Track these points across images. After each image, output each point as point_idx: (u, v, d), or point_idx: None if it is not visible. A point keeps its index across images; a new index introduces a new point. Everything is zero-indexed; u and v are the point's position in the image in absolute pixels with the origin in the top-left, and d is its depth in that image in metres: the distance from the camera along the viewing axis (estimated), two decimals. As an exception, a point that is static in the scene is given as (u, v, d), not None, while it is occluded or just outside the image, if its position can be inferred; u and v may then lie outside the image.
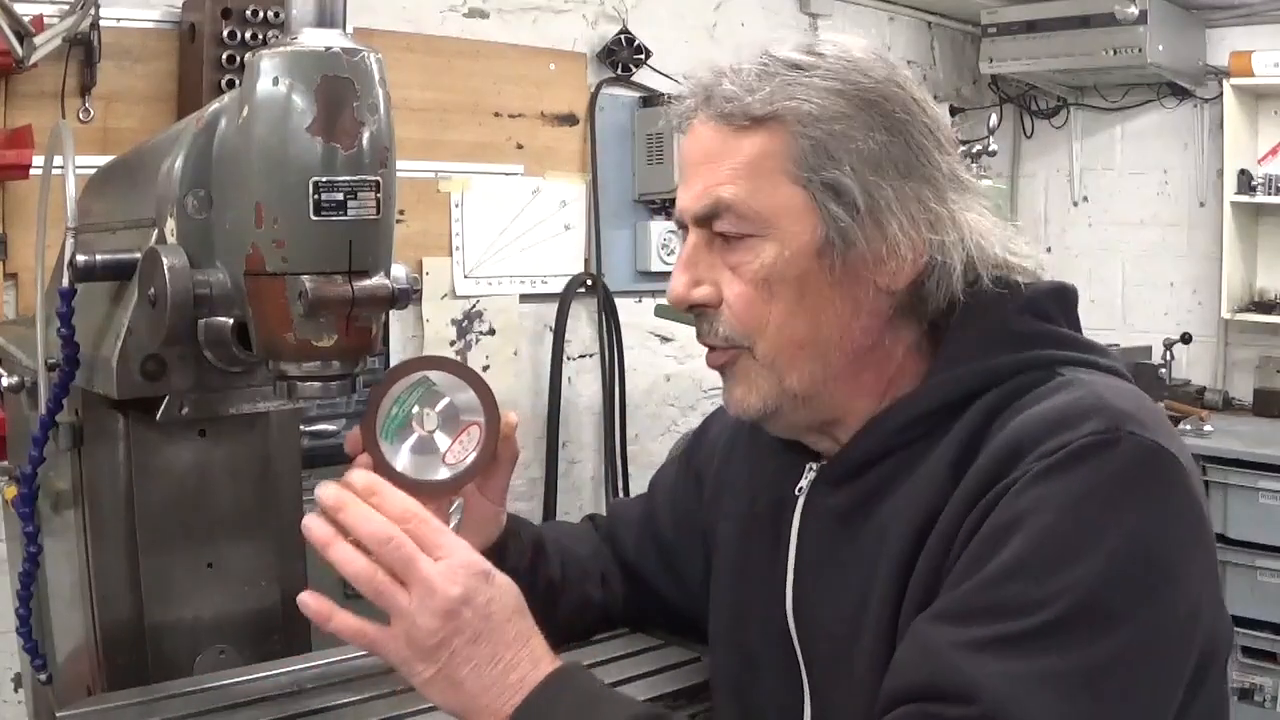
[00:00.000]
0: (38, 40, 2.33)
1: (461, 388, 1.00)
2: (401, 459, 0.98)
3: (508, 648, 0.85)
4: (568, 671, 0.86)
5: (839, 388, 0.94)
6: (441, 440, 0.99)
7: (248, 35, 2.49)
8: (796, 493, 1.01)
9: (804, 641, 0.98)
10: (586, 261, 3.49)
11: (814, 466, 1.00)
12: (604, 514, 1.31)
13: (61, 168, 1.15)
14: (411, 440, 0.99)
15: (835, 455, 0.98)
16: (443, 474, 0.99)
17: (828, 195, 0.90)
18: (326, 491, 0.88)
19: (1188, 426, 3.58)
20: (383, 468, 0.98)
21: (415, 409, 0.99)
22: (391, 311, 1.01)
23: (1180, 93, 4.24)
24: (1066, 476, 0.80)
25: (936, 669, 0.78)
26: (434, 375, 0.99)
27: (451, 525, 0.95)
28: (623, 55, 3.46)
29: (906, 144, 0.92)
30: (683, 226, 0.98)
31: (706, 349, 0.98)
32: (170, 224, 0.99)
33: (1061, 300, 0.96)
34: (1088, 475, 0.79)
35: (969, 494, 0.84)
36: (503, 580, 0.88)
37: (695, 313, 0.96)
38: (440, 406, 0.99)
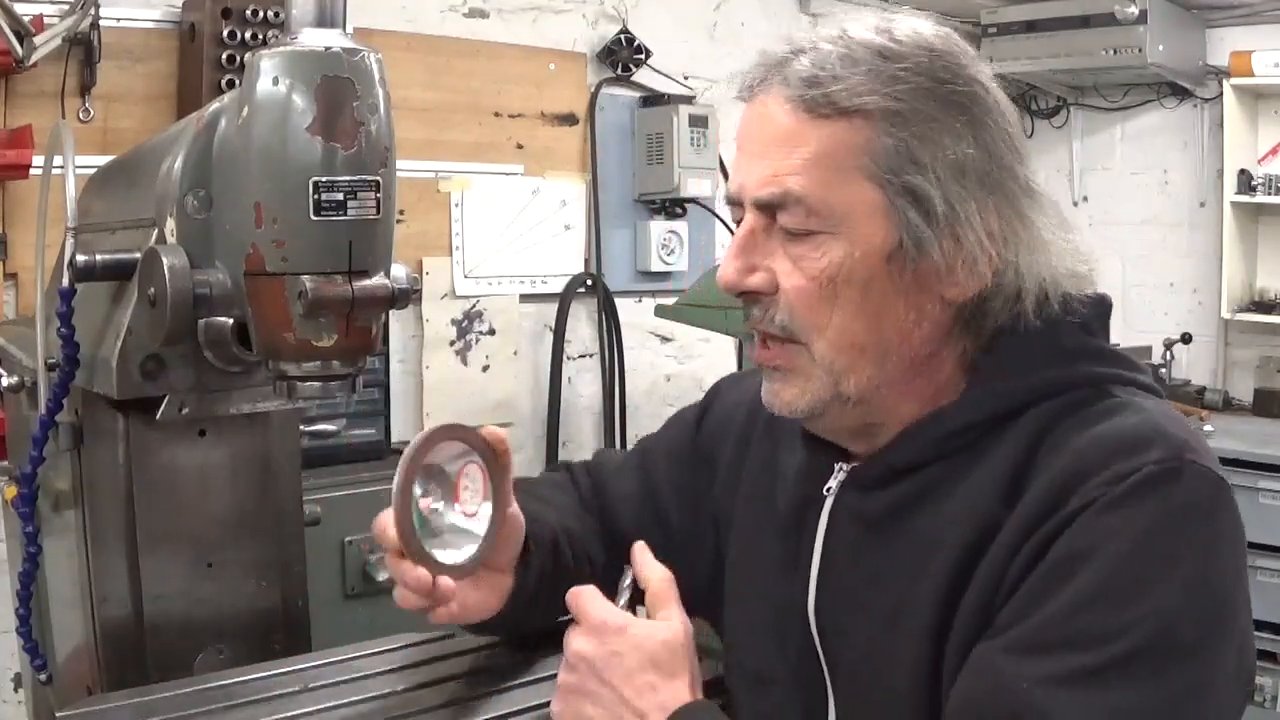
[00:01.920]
0: (38, 40, 2.33)
1: (442, 449, 0.98)
2: (445, 555, 0.98)
3: (638, 694, 0.88)
4: (689, 710, 0.89)
5: (891, 393, 0.91)
6: (453, 513, 1.00)
7: (248, 35, 2.49)
8: (825, 493, 0.98)
9: (827, 647, 0.96)
10: (586, 261, 3.49)
11: (844, 467, 0.98)
12: (580, 468, 1.26)
13: (61, 168, 1.15)
14: (438, 528, 0.99)
15: (870, 458, 0.95)
16: (471, 532, 1.00)
17: (907, 200, 0.86)
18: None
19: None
20: (422, 558, 0.97)
21: (424, 491, 0.98)
22: (391, 311, 1.01)
23: (1180, 93, 4.24)
24: (1135, 507, 0.79)
25: (1017, 707, 0.77)
26: (423, 467, 0.98)
27: (622, 601, 0.96)
28: (623, 55, 3.46)
29: (989, 154, 0.88)
30: (736, 204, 0.93)
31: (758, 339, 0.93)
32: (170, 224, 0.99)
33: (1100, 312, 0.94)
34: (1156, 506, 0.79)
35: (1028, 519, 0.82)
36: (638, 634, 0.91)
37: (750, 299, 0.91)
38: (435, 483, 0.99)
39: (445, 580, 0.99)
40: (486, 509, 1.00)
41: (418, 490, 0.97)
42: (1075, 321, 0.91)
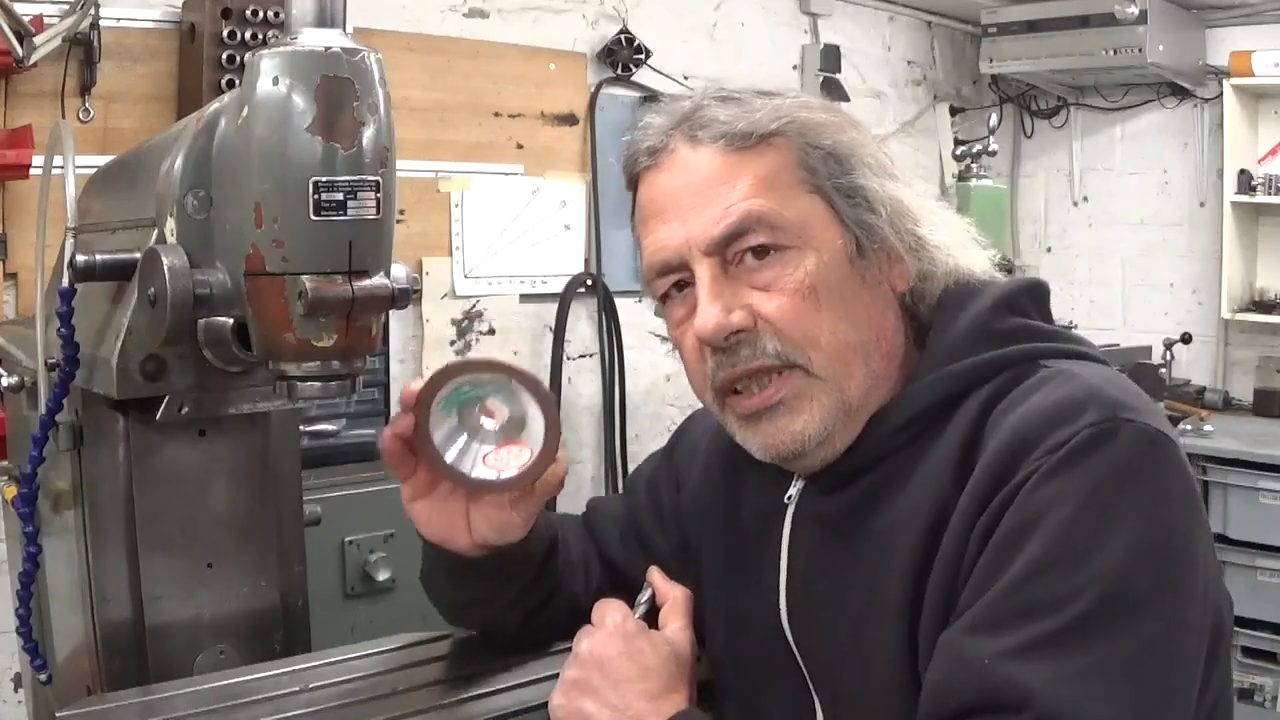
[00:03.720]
0: (38, 40, 2.33)
1: (537, 415, 0.99)
2: (442, 430, 0.99)
3: (636, 699, 0.92)
4: (686, 715, 0.92)
5: (875, 393, 0.94)
6: (490, 439, 1.00)
7: (248, 35, 2.49)
8: (786, 501, 1.00)
9: (803, 650, 0.98)
10: (586, 261, 3.49)
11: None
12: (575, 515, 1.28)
13: (61, 168, 1.15)
14: (467, 420, 0.99)
15: (825, 463, 0.96)
16: (478, 471, 0.99)
17: (846, 201, 0.92)
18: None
19: (1188, 426, 3.58)
20: (421, 431, 0.98)
21: (490, 399, 0.99)
22: (391, 311, 1.01)
23: (1180, 93, 4.24)
24: (1076, 470, 0.80)
25: (983, 683, 0.78)
26: (521, 389, 0.98)
27: (638, 613, 1.01)
28: (623, 55, 3.46)
29: (887, 155, 0.97)
30: (674, 269, 0.94)
31: (749, 382, 0.92)
32: (170, 224, 0.99)
33: (1034, 295, 0.97)
34: (1096, 467, 0.80)
35: (977, 496, 0.84)
36: (648, 642, 0.96)
37: (733, 341, 0.91)
38: (511, 413, 0.99)
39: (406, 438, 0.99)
40: (501, 477, 0.99)
41: (495, 390, 0.98)
42: (1005, 304, 0.94)
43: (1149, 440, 0.82)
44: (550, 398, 0.99)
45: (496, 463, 1.00)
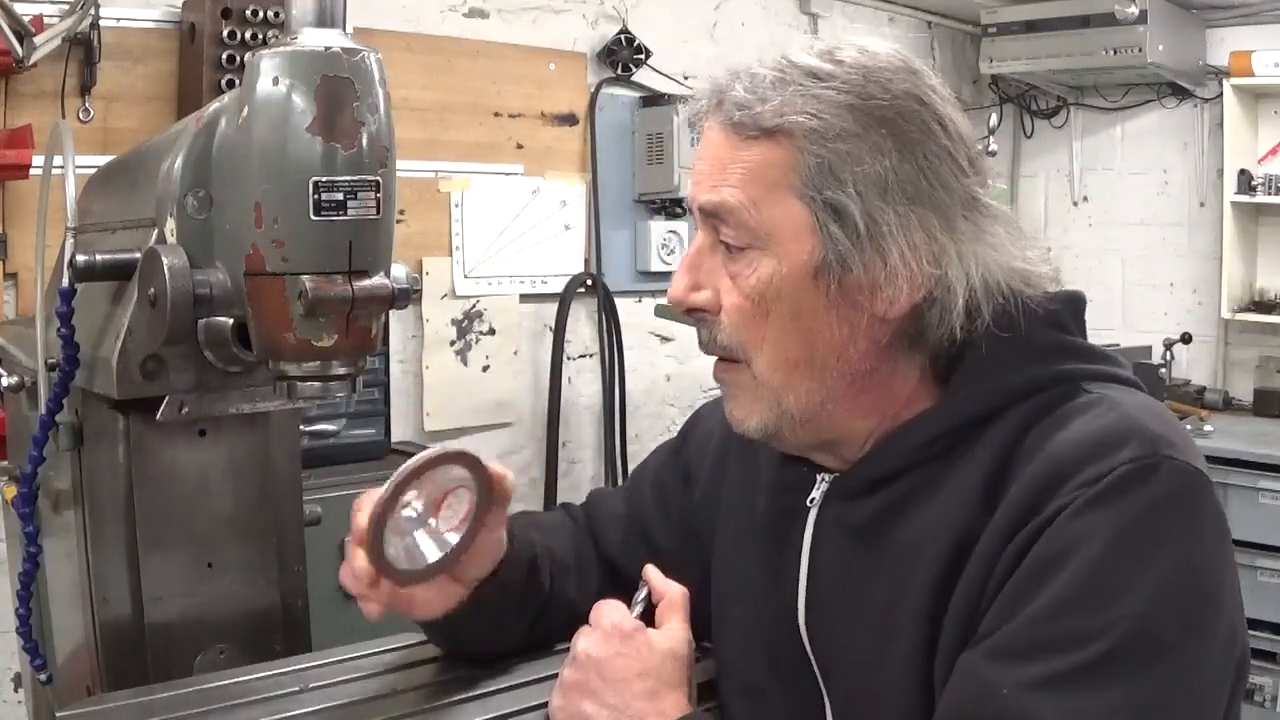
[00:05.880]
0: (38, 40, 2.33)
1: (445, 469, 0.98)
2: (396, 551, 0.98)
3: (638, 697, 0.92)
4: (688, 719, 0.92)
5: (838, 410, 0.92)
6: (421, 519, 0.99)
7: (248, 35, 2.49)
8: (808, 504, 0.98)
9: (819, 655, 0.97)
10: (586, 261, 3.49)
11: (825, 478, 0.98)
12: (578, 504, 1.27)
13: (61, 168, 1.15)
14: (404, 531, 0.98)
15: (851, 469, 0.96)
16: (432, 556, 0.99)
17: (829, 215, 0.87)
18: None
19: (1188, 426, 3.58)
20: (382, 567, 0.97)
21: (402, 499, 0.98)
22: (391, 311, 1.01)
23: (1180, 93, 4.24)
24: (1111, 507, 0.79)
25: (999, 712, 0.77)
26: (438, 468, 0.98)
27: (635, 612, 1.00)
28: (623, 55, 3.46)
29: (918, 167, 0.87)
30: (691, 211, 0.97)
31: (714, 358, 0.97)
32: (170, 224, 0.99)
33: (1073, 309, 0.95)
34: (1131, 505, 0.79)
35: (1008, 522, 0.83)
36: (645, 641, 0.96)
37: (695, 318, 0.94)
38: (424, 491, 0.99)
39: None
40: (453, 539, 0.99)
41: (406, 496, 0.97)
42: (1047, 320, 0.91)
43: (1187, 479, 0.81)
44: (435, 454, 0.97)
45: (441, 528, 1.00)
